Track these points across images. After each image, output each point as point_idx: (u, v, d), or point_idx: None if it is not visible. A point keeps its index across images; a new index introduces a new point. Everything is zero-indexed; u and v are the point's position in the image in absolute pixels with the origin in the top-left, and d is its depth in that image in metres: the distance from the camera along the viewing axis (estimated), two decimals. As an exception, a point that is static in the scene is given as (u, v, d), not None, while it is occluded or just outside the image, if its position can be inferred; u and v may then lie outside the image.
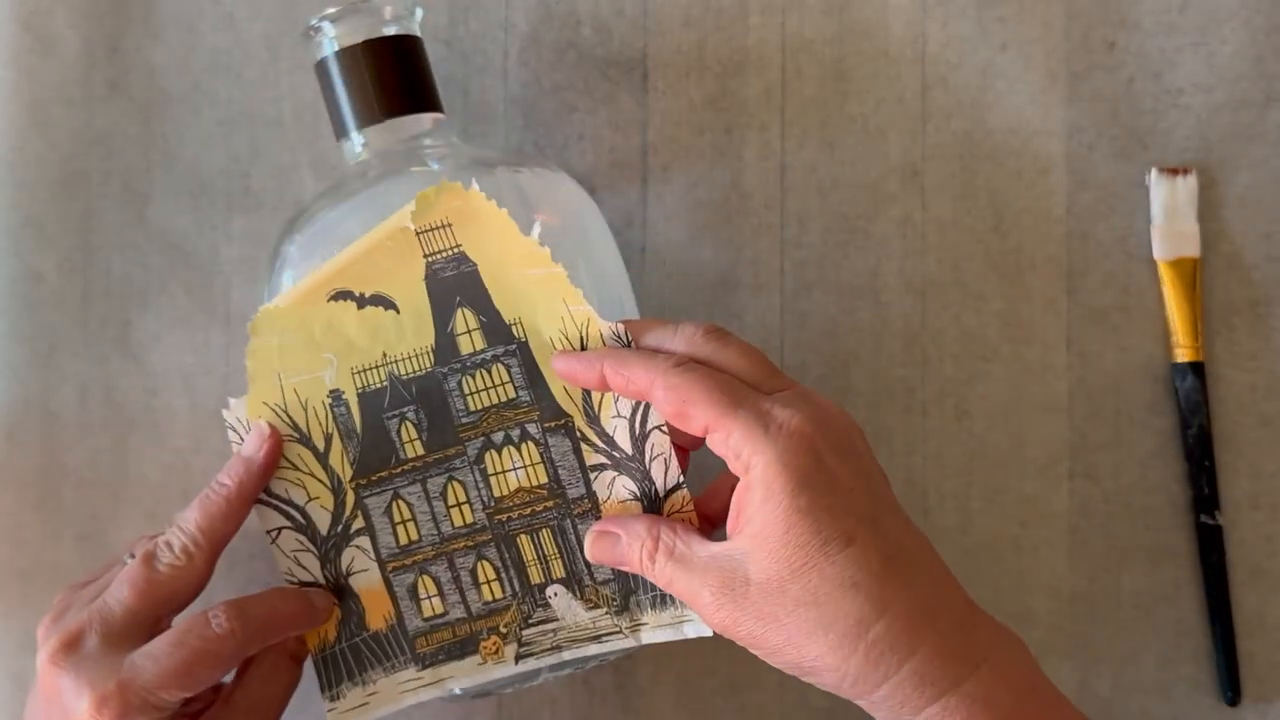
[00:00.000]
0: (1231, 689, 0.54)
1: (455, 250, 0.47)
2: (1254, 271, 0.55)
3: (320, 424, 0.48)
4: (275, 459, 0.48)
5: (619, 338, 0.46)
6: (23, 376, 0.55)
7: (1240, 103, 0.56)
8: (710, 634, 0.47)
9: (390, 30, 0.50)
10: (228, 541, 0.47)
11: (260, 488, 0.48)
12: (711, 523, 0.47)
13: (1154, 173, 0.55)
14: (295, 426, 0.48)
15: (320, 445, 0.48)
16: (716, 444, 0.43)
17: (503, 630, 0.49)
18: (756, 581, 0.42)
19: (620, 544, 0.46)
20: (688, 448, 0.47)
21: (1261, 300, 0.55)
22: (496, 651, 0.49)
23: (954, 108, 0.56)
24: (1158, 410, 0.55)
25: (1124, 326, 0.55)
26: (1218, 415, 0.55)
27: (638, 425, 0.47)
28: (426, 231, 0.47)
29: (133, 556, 0.47)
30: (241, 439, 0.48)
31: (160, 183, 0.56)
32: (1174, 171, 0.55)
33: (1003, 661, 0.42)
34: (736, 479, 0.44)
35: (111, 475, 0.55)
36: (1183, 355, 0.55)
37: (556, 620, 0.48)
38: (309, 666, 0.49)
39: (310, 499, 0.48)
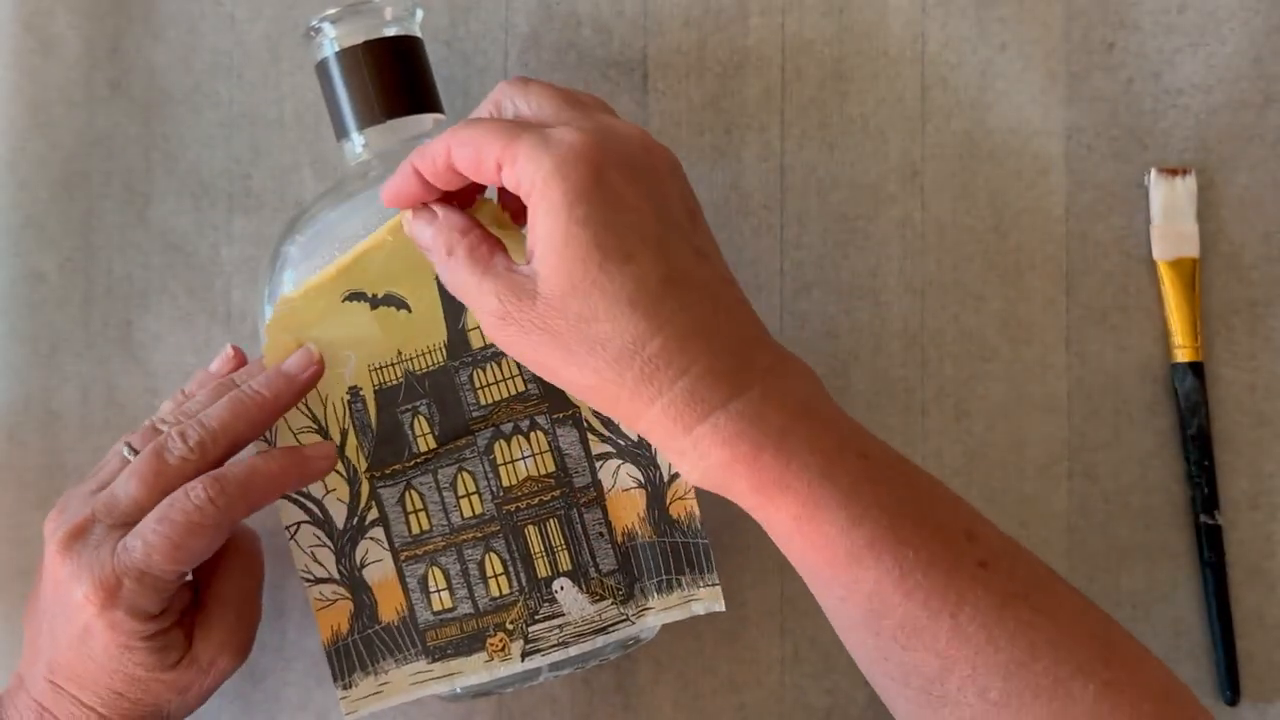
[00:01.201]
0: (1231, 688, 0.54)
1: None
2: (1253, 272, 0.55)
3: (337, 418, 0.49)
4: (314, 384, 0.48)
5: None
6: (24, 376, 0.56)
7: (1239, 103, 0.56)
8: (723, 609, 0.48)
9: (391, 31, 0.50)
10: (241, 448, 0.47)
11: (290, 407, 0.48)
12: None
13: (1153, 173, 0.55)
14: (315, 419, 0.49)
15: (337, 439, 0.49)
16: (508, 180, 0.43)
17: (509, 627, 0.49)
18: (542, 294, 0.42)
19: (435, 224, 0.45)
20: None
21: (1260, 300, 0.55)
22: (503, 649, 0.49)
23: (954, 108, 0.56)
24: (1157, 410, 0.55)
25: (1123, 326, 0.55)
26: (1217, 415, 0.55)
27: None
28: None
29: (130, 448, 0.47)
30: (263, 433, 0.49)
31: (161, 183, 0.56)
32: (1173, 172, 0.55)
33: (781, 384, 0.42)
34: None
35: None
36: (1182, 355, 0.55)
37: (563, 615, 0.49)
38: (321, 659, 0.50)
39: (327, 491, 0.49)
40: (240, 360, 0.51)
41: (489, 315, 0.43)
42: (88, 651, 0.45)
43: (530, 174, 0.42)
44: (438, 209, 0.46)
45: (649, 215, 0.42)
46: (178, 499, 0.45)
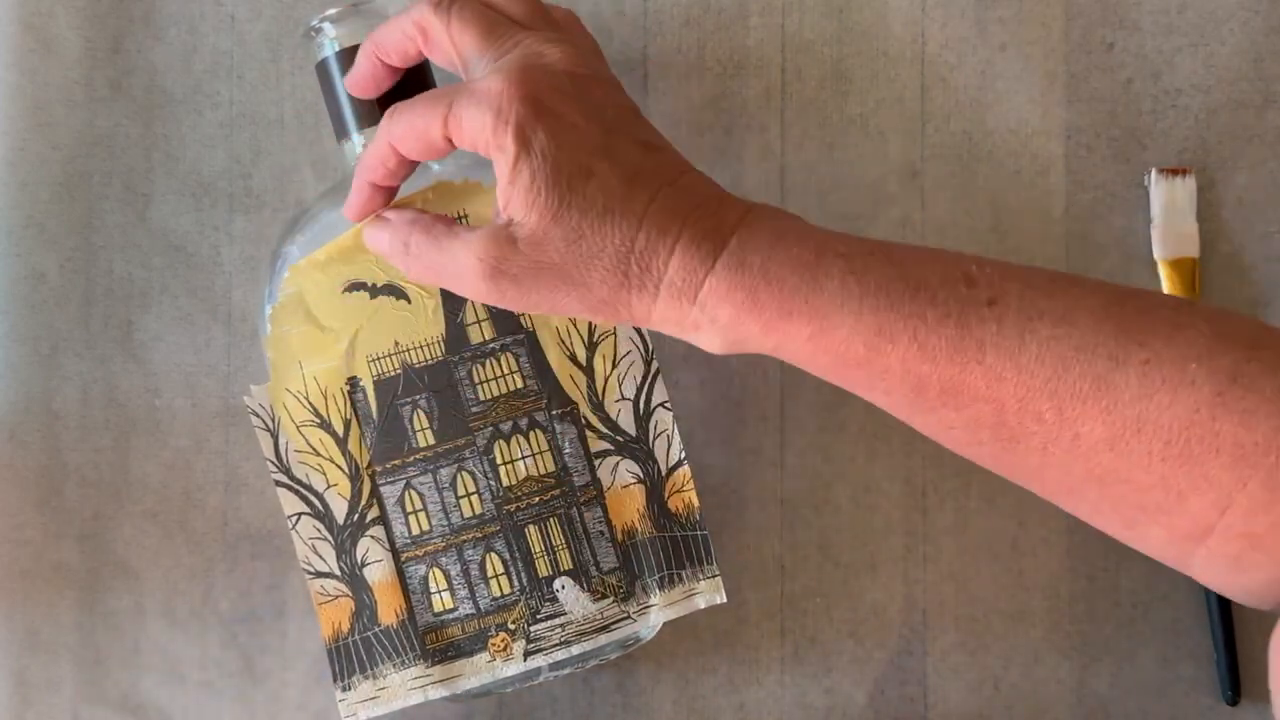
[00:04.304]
0: (1231, 688, 0.54)
1: None
2: (1253, 272, 0.55)
3: (340, 410, 0.49)
4: None
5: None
6: (25, 376, 0.56)
7: (1238, 104, 0.56)
8: (724, 600, 0.49)
9: (391, 31, 0.50)
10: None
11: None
12: None
13: (1153, 173, 0.55)
14: (316, 412, 0.49)
15: (340, 430, 0.49)
16: (464, 145, 0.44)
17: (511, 626, 0.49)
18: (522, 237, 0.43)
19: (388, 228, 0.47)
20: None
21: (1260, 300, 0.55)
22: (505, 649, 0.49)
23: (953, 108, 0.56)
24: (1157, 410, 0.55)
25: (1123, 326, 0.55)
26: (1217, 415, 0.55)
27: (642, 404, 0.49)
28: None
29: None
30: (265, 424, 0.49)
31: (162, 183, 0.56)
32: (1173, 172, 0.55)
33: (753, 226, 0.43)
34: None
35: (113, 475, 0.55)
36: (1182, 355, 0.55)
37: (565, 614, 0.49)
38: (322, 659, 0.50)
39: (329, 485, 0.49)
40: None
41: (476, 277, 0.44)
42: None
43: (476, 132, 0.43)
44: (388, 214, 0.47)
45: (594, 127, 0.43)
46: None
